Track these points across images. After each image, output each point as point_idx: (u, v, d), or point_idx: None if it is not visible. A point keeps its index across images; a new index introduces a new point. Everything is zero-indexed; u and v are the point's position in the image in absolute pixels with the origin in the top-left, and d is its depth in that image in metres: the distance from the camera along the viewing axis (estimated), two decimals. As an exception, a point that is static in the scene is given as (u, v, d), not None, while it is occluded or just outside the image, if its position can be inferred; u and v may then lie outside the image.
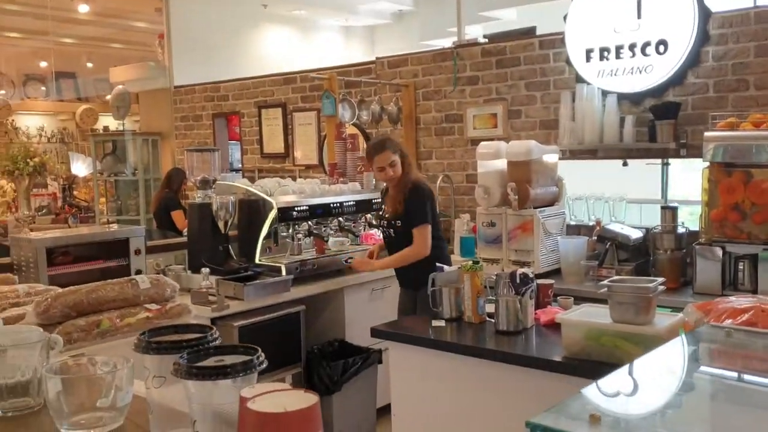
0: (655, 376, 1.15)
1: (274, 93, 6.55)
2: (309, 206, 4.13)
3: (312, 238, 4.25)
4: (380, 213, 3.78)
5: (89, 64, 9.91)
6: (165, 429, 1.15)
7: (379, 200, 4.53)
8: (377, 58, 5.78)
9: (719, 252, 3.64)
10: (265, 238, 4.01)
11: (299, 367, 3.82)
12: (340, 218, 4.40)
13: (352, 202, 4.40)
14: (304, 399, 0.81)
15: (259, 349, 1.04)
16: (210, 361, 1.05)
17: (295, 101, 6.37)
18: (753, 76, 3.98)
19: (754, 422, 0.99)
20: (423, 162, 5.42)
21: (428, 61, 5.40)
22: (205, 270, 3.67)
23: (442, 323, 3.11)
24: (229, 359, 1.03)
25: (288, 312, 3.81)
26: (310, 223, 4.20)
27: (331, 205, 4.29)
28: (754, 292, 3.45)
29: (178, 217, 6.25)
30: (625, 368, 1.12)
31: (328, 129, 5.03)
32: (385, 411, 3.54)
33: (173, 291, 2.10)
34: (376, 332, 3.17)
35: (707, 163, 3.74)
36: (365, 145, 3.75)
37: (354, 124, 5.34)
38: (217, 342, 1.15)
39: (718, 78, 4.11)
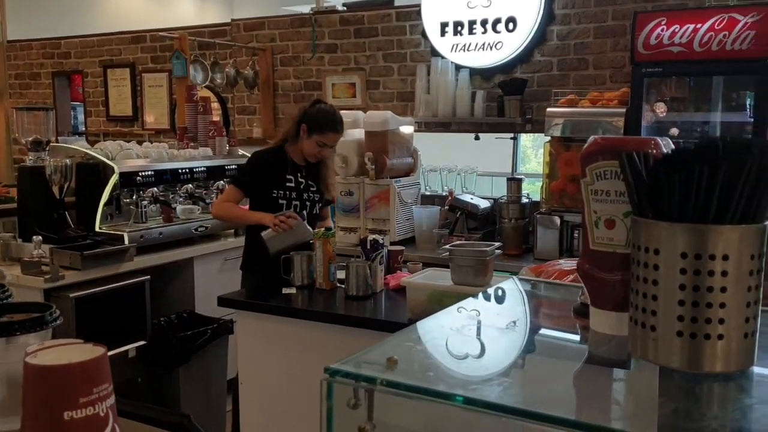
0: (461, 324, 1.19)
1: (121, 52, 6.15)
2: (155, 171, 3.92)
3: (159, 205, 4.04)
4: (306, 187, 3.38)
5: None
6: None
7: (234, 167, 4.40)
8: (233, 20, 5.58)
9: (557, 221, 3.87)
10: (106, 204, 3.76)
11: (144, 340, 3.64)
12: (190, 185, 4.21)
13: (202, 168, 4.23)
14: (90, 351, 0.74)
15: (53, 306, 0.95)
16: None
17: (145, 62, 6.02)
18: (592, 56, 4.23)
19: (540, 362, 1.05)
20: (279, 130, 5.31)
21: (286, 26, 5.28)
22: (37, 238, 3.39)
23: (293, 290, 3.08)
24: (20, 317, 0.93)
25: (131, 283, 3.62)
26: (156, 189, 3.99)
27: (180, 170, 4.10)
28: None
29: None
30: (432, 318, 1.14)
31: (178, 91, 4.81)
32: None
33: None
34: (223, 301, 3.09)
35: (549, 138, 3.94)
36: (316, 113, 3.27)
37: (207, 87, 5.13)
38: (11, 300, 1.04)
39: (561, 57, 4.32)
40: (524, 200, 4.16)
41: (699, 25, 3.36)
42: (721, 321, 0.82)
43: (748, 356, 0.85)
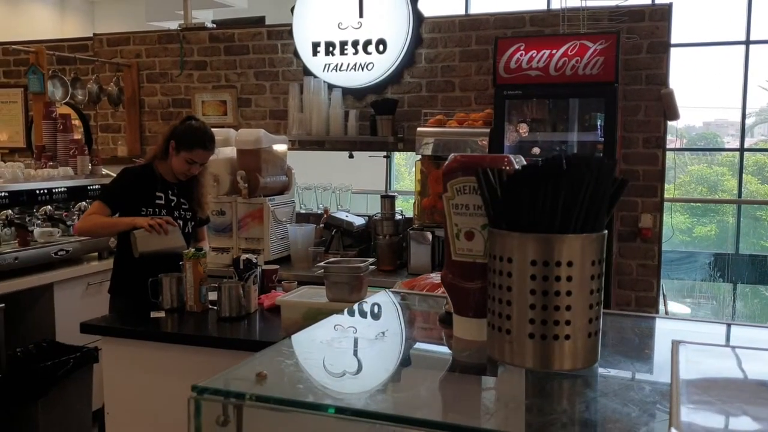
0: (332, 336, 1.21)
1: (-31, 65, 5.71)
2: (9, 192, 3.67)
3: (13, 228, 3.77)
4: (178, 205, 3.27)
5: None
6: None
7: (97, 187, 4.20)
8: (95, 35, 5.34)
9: (429, 236, 3.99)
10: (-47, 228, 3.48)
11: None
12: (49, 206, 3.97)
13: (63, 189, 4.01)
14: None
15: None
16: None
17: (-4, 76, 5.63)
18: (458, 79, 4.42)
19: (407, 370, 1.09)
20: (149, 147, 5.14)
21: (153, 41, 5.13)
22: None
23: (162, 314, 2.97)
24: None
25: (-18, 312, 3.34)
26: (10, 211, 3.73)
27: (37, 191, 3.86)
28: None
29: None
30: (299, 334, 1.16)
31: (36, 108, 4.54)
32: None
33: None
34: (87, 327, 2.93)
35: (420, 156, 4.07)
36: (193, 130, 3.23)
37: (68, 104, 4.87)
38: None
39: (429, 79, 4.48)
40: (398, 217, 4.26)
41: (554, 51, 3.61)
42: (568, 322, 0.89)
43: (593, 354, 0.93)
